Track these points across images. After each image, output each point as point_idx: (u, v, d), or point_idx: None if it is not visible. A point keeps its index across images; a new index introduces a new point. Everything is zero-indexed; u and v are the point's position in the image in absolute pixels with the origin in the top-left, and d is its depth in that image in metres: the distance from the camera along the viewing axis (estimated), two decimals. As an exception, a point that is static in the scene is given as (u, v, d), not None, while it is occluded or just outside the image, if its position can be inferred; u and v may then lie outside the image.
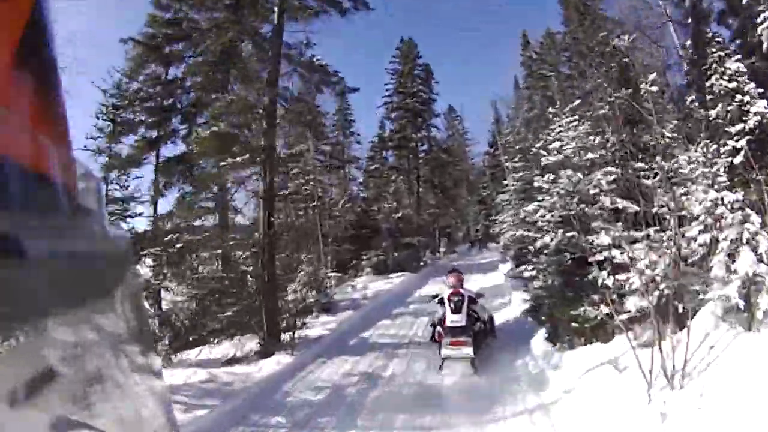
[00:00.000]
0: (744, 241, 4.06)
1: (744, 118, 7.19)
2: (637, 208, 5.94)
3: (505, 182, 17.29)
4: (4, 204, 0.30)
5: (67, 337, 0.35)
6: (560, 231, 6.42)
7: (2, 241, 0.28)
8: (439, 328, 6.35)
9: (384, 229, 17.46)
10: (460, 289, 6.68)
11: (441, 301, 6.63)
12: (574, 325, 5.93)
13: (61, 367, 0.34)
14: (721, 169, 4.98)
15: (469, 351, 5.86)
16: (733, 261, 4.08)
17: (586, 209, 6.19)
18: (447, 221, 32.28)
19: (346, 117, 25.51)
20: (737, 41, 9.63)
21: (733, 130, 7.23)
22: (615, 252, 5.44)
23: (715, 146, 5.97)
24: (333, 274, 14.85)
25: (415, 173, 24.48)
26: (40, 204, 0.34)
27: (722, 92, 7.43)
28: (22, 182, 0.32)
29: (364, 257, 16.00)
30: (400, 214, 17.61)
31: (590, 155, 6.81)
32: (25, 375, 0.30)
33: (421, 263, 20.85)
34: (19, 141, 0.33)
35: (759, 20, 8.05)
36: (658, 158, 5.84)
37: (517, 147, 16.69)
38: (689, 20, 10.30)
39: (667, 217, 5.11)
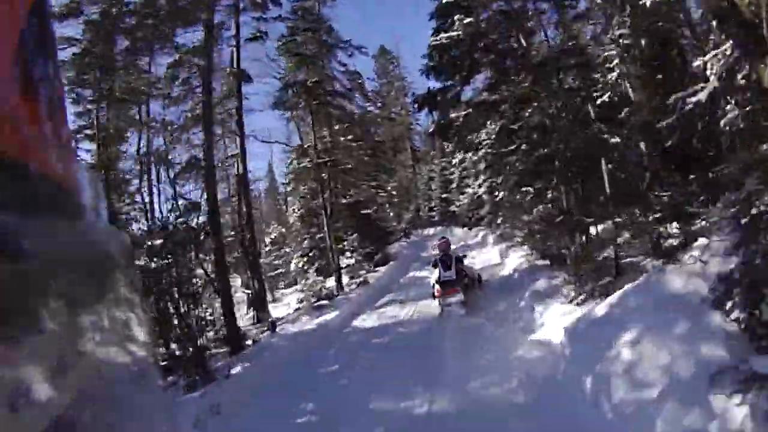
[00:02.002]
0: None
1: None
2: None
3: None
4: (4, 204, 0.31)
5: (66, 339, 0.35)
6: None
7: (2, 241, 0.29)
8: (436, 285, 7.30)
9: None
10: (448, 251, 7.87)
11: (435, 264, 7.65)
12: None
13: (59, 369, 0.33)
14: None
15: (460, 297, 7.06)
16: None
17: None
18: (370, 201, 15.57)
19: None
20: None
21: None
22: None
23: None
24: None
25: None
26: (40, 204, 0.34)
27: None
28: (21, 182, 0.32)
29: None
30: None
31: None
32: (24, 376, 0.30)
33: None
34: (19, 141, 0.33)
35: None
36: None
37: None
38: None
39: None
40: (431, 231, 27.44)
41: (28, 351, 0.29)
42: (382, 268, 12.35)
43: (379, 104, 43.08)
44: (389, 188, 41.37)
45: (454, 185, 25.09)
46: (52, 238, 0.34)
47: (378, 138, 21.80)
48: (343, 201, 13.02)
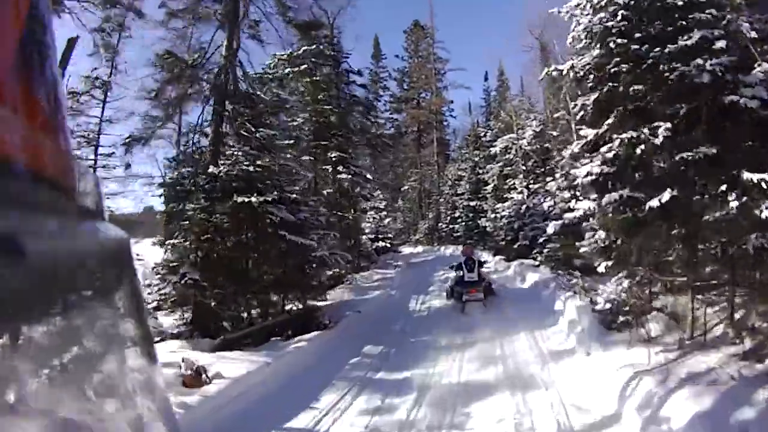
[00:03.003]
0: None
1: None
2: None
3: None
4: (4, 204, 0.31)
5: (66, 339, 0.35)
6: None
7: (2, 241, 0.28)
8: (458, 287, 8.96)
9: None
10: (472, 256, 9.52)
11: (459, 267, 9.18)
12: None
13: (60, 369, 0.33)
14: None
15: (481, 296, 8.66)
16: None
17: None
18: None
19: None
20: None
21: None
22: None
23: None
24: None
25: None
26: (40, 204, 0.34)
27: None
28: (22, 182, 0.33)
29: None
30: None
31: None
32: (24, 376, 0.30)
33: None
34: (19, 141, 0.33)
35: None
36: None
37: None
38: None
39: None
40: (449, 250, 19.09)
41: (31, 351, 0.29)
42: (224, 382, 4.29)
43: (406, 86, 35.08)
44: (406, 186, 31.93)
45: (489, 188, 16.74)
46: (54, 239, 0.33)
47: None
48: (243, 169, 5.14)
